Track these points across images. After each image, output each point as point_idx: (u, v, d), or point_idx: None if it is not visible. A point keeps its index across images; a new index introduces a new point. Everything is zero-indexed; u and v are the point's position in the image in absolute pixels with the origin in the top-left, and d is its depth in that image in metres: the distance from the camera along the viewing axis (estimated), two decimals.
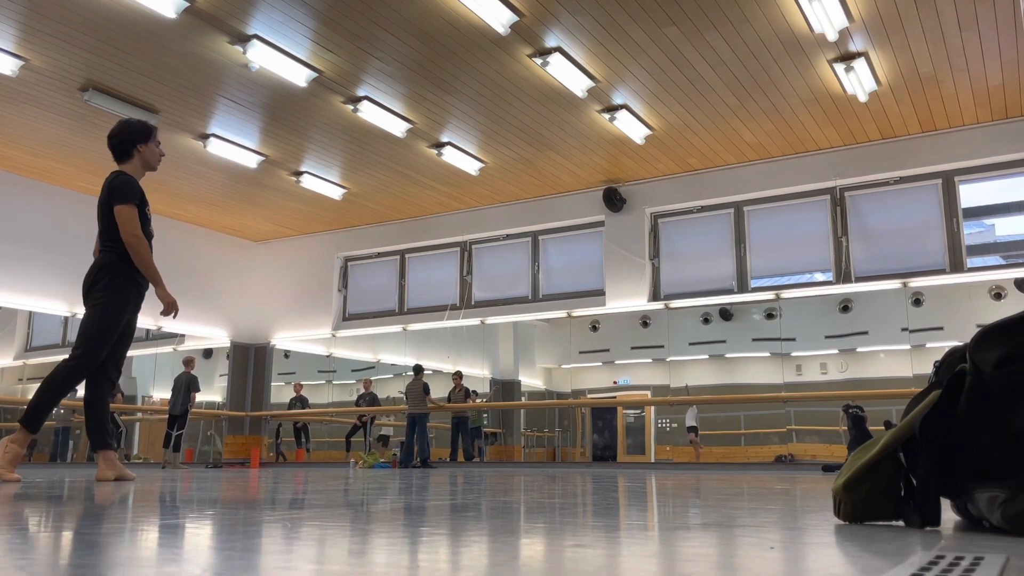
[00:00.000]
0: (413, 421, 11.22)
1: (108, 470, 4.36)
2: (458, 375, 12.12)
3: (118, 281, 4.41)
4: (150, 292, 4.65)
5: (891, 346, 10.57)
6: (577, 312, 11.75)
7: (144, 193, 4.55)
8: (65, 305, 11.64)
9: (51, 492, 3.13)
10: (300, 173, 10.92)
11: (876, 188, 10.01)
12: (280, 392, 14.35)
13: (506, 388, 13.17)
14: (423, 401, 11.22)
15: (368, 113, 8.91)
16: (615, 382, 13.13)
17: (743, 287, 10.61)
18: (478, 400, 12.65)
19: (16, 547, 1.26)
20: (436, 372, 12.81)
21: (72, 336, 12.70)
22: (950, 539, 1.28)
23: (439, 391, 12.18)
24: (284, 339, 14.14)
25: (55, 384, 4.28)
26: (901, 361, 10.26)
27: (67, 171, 10.88)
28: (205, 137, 9.74)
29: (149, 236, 4.57)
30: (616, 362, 12.93)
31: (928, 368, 1.55)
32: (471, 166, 10.53)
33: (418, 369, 11.45)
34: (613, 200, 11.17)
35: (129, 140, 4.59)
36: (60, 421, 12.93)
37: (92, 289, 4.40)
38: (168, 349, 13.55)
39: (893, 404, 9.73)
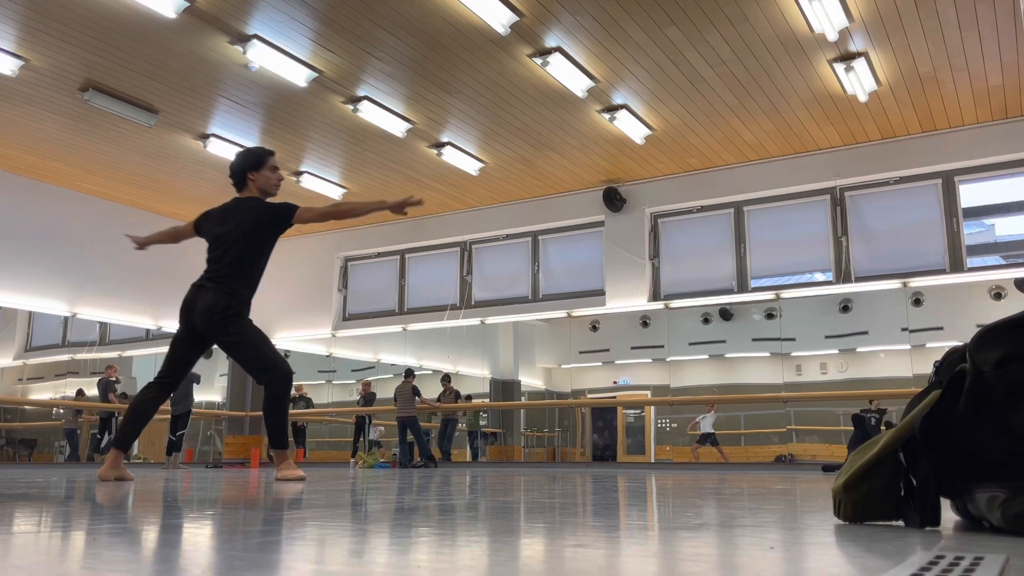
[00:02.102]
0: (403, 424, 11.21)
1: (110, 469, 4.39)
2: (447, 379, 12.12)
3: (247, 317, 4.55)
4: None
5: (891, 346, 10.57)
6: (577, 312, 11.75)
7: None
8: (65, 305, 11.64)
9: (52, 492, 3.13)
10: (300, 173, 10.92)
11: (876, 188, 10.01)
12: None
13: (506, 388, 13.17)
14: (411, 403, 11.20)
15: (368, 113, 8.91)
16: (615, 382, 13.13)
17: (743, 287, 10.61)
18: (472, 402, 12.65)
19: (16, 547, 1.26)
20: (436, 372, 12.81)
21: (72, 336, 12.76)
22: (950, 539, 1.28)
23: (434, 392, 12.18)
24: (284, 339, 14.14)
25: (283, 405, 4.47)
26: (901, 361, 10.26)
27: (67, 171, 10.88)
28: (205, 137, 9.74)
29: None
30: (616, 362, 12.93)
31: (928, 368, 1.55)
32: (471, 166, 10.53)
33: (409, 372, 11.44)
34: (613, 200, 11.17)
35: (240, 171, 4.69)
36: (67, 423, 12.94)
37: (227, 323, 4.42)
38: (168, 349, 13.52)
39: (893, 404, 9.73)
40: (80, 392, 12.88)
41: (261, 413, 10.70)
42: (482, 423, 13.06)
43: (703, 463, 10.87)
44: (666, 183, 11.13)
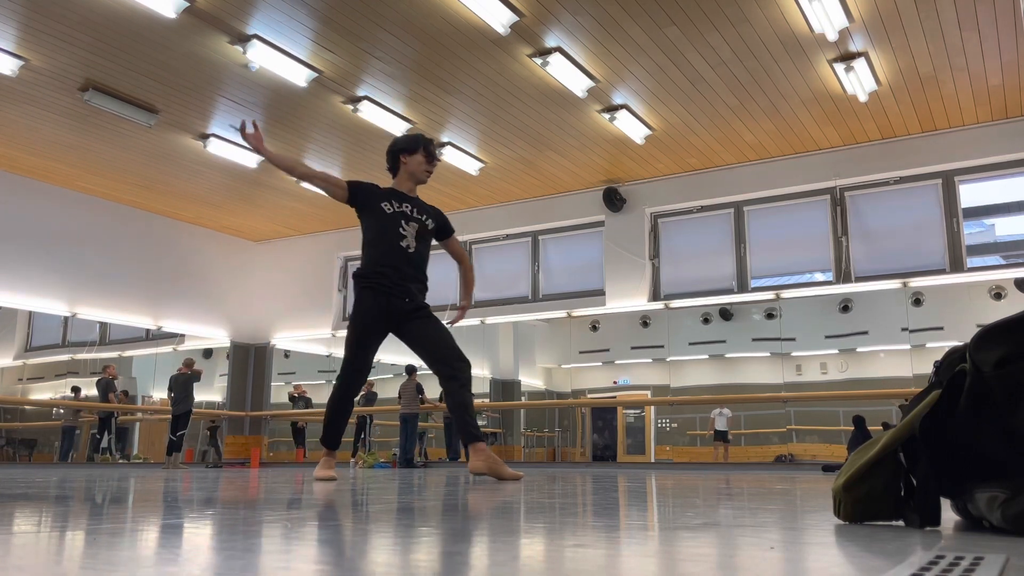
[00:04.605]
0: (405, 421, 11.22)
1: (479, 461, 4.23)
2: None
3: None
4: None
5: (891, 346, 10.57)
6: (577, 312, 11.74)
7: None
8: (65, 305, 11.64)
9: (52, 492, 3.13)
10: None
11: (876, 188, 10.01)
12: (280, 392, 14.34)
13: (506, 388, 13.16)
14: (415, 401, 11.21)
15: (368, 113, 8.91)
16: (615, 382, 13.13)
17: (743, 287, 10.61)
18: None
19: (16, 547, 1.26)
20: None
21: (72, 336, 12.76)
22: (950, 539, 1.28)
23: (435, 392, 12.17)
24: (284, 339, 14.14)
25: (471, 395, 4.44)
26: (901, 361, 10.26)
27: (67, 171, 10.88)
28: (205, 137, 9.74)
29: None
30: (616, 362, 12.93)
31: (928, 368, 1.54)
32: (471, 166, 10.53)
33: (411, 369, 11.43)
34: (613, 200, 11.17)
35: (394, 152, 4.70)
36: (66, 421, 12.94)
37: (425, 303, 4.61)
38: (168, 349, 13.55)
39: (893, 404, 9.73)
40: (76, 389, 12.88)
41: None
42: (480, 424, 13.03)
43: (703, 463, 10.86)
44: (666, 183, 11.13)
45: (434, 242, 4.84)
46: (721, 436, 11.52)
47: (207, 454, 13.91)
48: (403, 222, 4.51)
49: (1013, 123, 9.19)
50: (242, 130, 4.44)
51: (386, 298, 4.44)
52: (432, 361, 4.52)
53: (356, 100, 8.73)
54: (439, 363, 4.47)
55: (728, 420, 11.52)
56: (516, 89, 8.49)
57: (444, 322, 4.82)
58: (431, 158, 4.74)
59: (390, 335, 4.62)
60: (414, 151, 4.68)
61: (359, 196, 4.59)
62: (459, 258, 4.99)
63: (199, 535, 1.47)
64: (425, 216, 4.62)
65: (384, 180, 4.90)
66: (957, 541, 1.25)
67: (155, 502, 2.54)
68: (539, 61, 7.78)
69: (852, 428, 9.52)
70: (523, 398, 13.33)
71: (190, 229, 13.27)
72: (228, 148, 9.98)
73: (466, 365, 4.44)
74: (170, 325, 13.02)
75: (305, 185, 11.18)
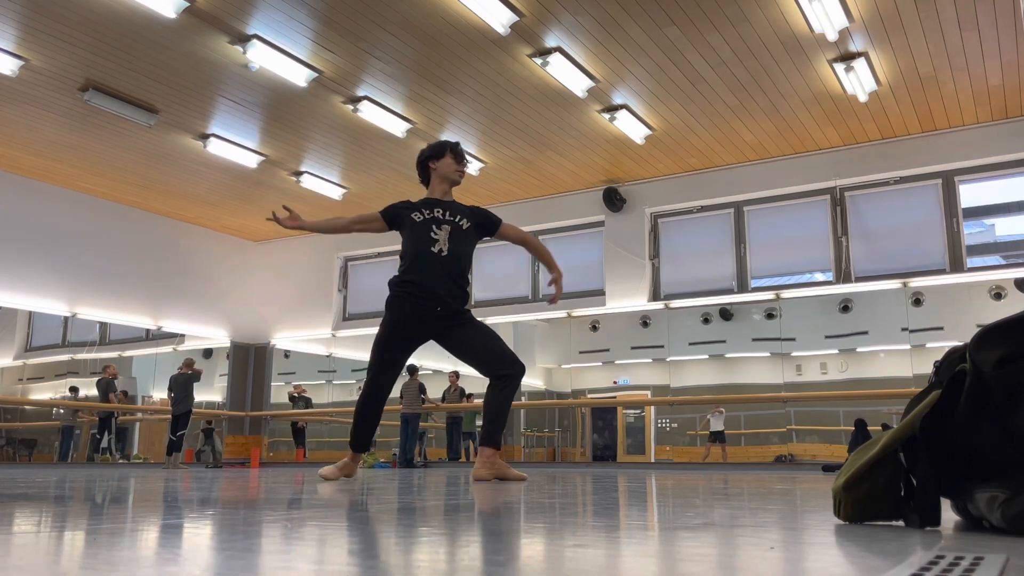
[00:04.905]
0: (406, 420, 11.22)
1: (483, 468, 4.20)
2: (455, 375, 12.11)
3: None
4: None
5: (891, 346, 10.57)
6: (577, 312, 11.74)
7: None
8: (65, 305, 11.64)
9: (51, 492, 3.13)
10: (300, 173, 10.93)
11: (876, 188, 10.01)
12: (280, 392, 14.34)
13: None
14: (417, 401, 11.21)
15: (368, 113, 8.91)
16: (615, 382, 13.13)
17: (743, 287, 10.61)
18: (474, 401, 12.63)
19: (16, 547, 1.26)
20: (437, 372, 12.81)
21: (72, 336, 12.76)
22: (950, 539, 1.28)
23: (436, 391, 12.18)
24: (284, 339, 14.14)
25: (510, 401, 4.43)
26: (901, 361, 10.26)
27: (67, 171, 10.88)
28: (205, 137, 9.74)
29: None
30: (616, 362, 12.93)
31: (928, 368, 1.54)
32: (471, 166, 10.52)
33: (413, 369, 11.44)
34: (613, 200, 11.17)
35: (421, 160, 4.68)
36: (64, 420, 12.94)
37: (464, 309, 4.49)
38: (168, 349, 13.55)
39: (893, 404, 9.73)
40: (74, 389, 12.89)
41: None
42: (479, 424, 13.05)
43: (704, 463, 10.87)
44: (666, 183, 11.13)
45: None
46: (717, 436, 11.51)
47: (202, 454, 13.91)
48: (433, 227, 4.46)
49: (1013, 123, 9.19)
50: (279, 222, 4.58)
51: (411, 306, 4.40)
52: (480, 366, 4.45)
53: (356, 100, 8.73)
54: (486, 367, 4.41)
55: (718, 419, 11.49)
56: (516, 89, 8.49)
57: (546, 301, 4.94)
58: (460, 158, 4.70)
59: (433, 344, 4.54)
60: (441, 155, 4.65)
61: (393, 218, 4.59)
62: (521, 242, 4.77)
63: (199, 535, 1.47)
64: (459, 217, 4.53)
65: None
66: (957, 541, 1.25)
67: (155, 502, 2.54)
68: (539, 61, 7.79)
69: (852, 428, 9.53)
70: (523, 398, 13.33)
71: (190, 229, 13.26)
72: (228, 148, 9.97)
73: (515, 365, 4.35)
74: (170, 325, 13.02)
75: (304, 185, 11.19)
